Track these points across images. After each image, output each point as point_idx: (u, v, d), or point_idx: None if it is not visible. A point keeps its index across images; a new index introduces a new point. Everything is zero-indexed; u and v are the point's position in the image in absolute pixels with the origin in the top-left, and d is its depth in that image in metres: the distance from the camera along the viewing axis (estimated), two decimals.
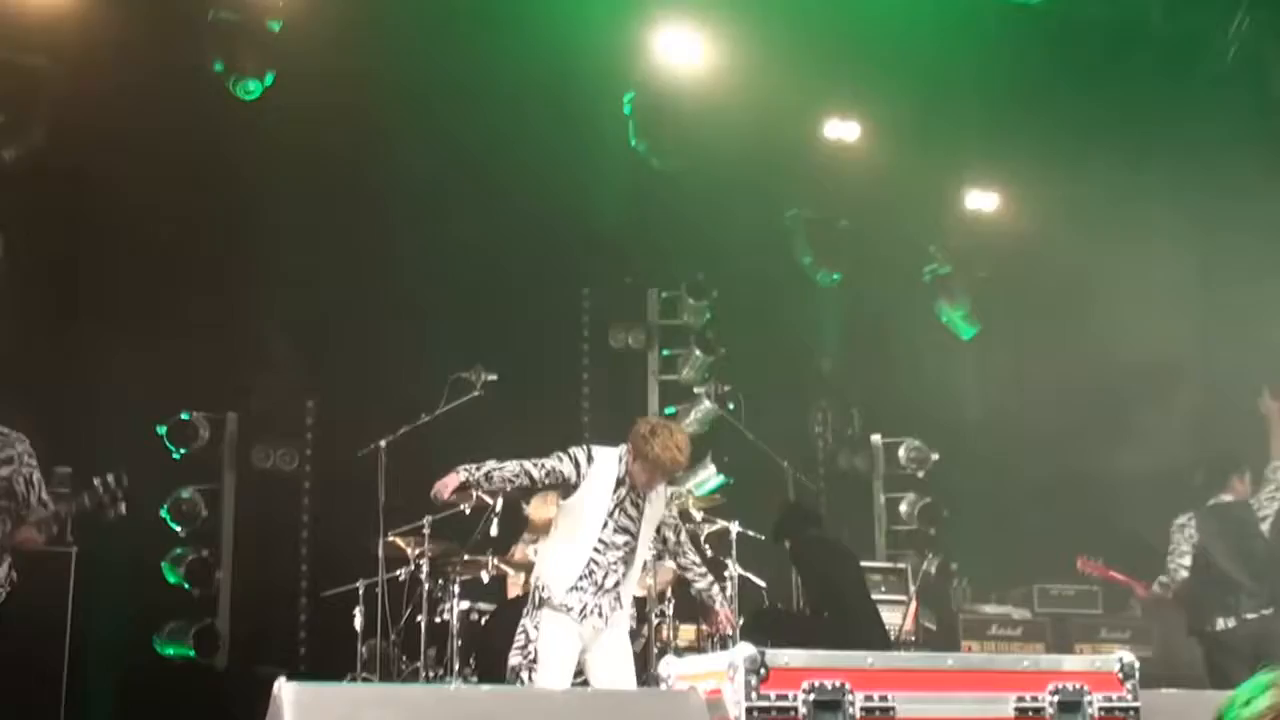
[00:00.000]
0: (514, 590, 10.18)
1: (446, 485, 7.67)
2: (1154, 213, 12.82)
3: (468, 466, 7.67)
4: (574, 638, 7.73)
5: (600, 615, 7.76)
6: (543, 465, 7.75)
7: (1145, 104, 12.40)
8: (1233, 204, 12.45)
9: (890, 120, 12.89)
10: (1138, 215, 12.89)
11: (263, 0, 10.35)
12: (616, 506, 7.79)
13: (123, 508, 7.95)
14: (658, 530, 8.06)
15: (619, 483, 7.79)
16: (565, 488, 7.82)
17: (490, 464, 7.70)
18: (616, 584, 7.81)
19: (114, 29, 10.14)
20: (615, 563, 7.80)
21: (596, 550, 7.75)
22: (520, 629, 7.80)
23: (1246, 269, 12.29)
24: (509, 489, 7.97)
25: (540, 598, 7.76)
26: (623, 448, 7.84)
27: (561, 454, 7.78)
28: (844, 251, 13.55)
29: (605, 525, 7.77)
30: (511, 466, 7.71)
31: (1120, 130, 12.59)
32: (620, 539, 7.81)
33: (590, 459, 7.78)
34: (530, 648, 7.65)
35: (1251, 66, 12.40)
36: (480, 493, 8.63)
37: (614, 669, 7.80)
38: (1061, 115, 12.63)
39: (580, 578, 7.71)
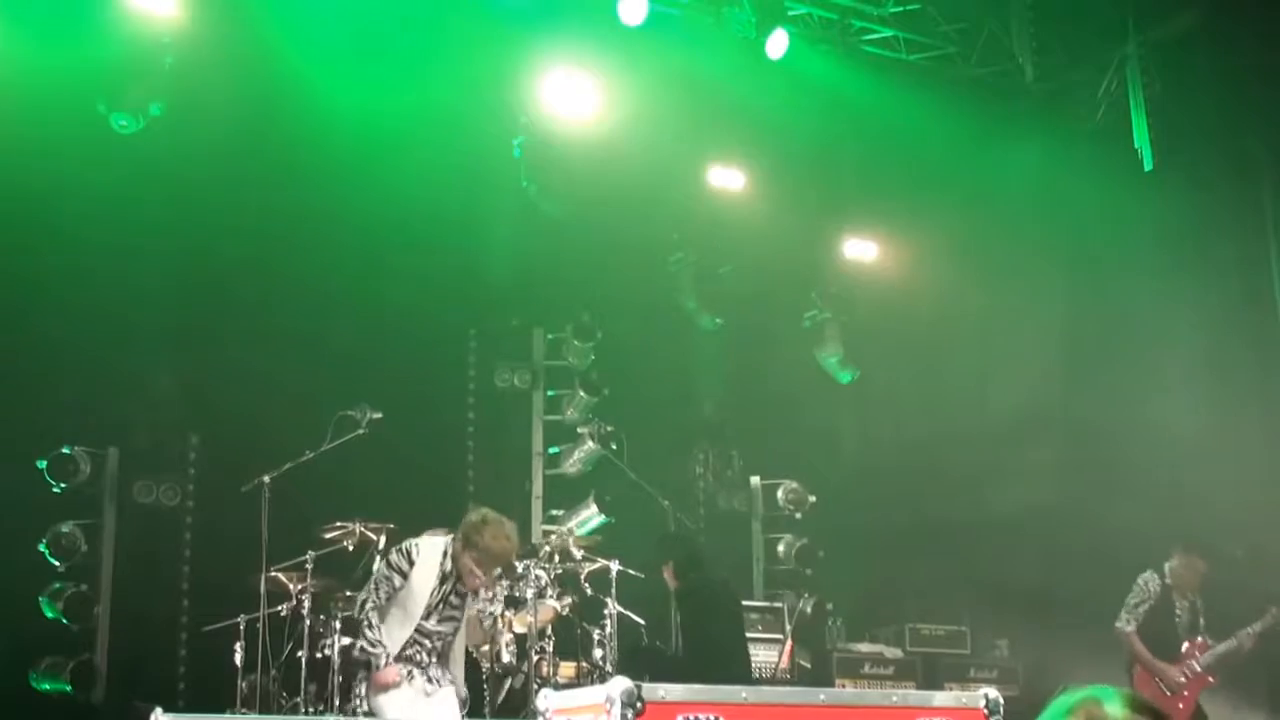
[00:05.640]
0: None
1: (386, 679, 7.93)
2: (1027, 263, 13.23)
3: (368, 649, 7.94)
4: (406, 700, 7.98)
5: (429, 680, 8.06)
6: (378, 589, 8.04)
7: (1019, 158, 12.80)
8: (1101, 256, 12.91)
9: (773, 170, 13.20)
10: (1011, 265, 13.30)
11: (153, 35, 10.42)
12: (441, 600, 8.09)
13: None
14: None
15: (444, 577, 8.08)
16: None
17: (365, 634, 7.96)
18: (436, 661, 8.14)
19: None
20: (435, 647, 8.13)
21: (419, 634, 8.06)
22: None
23: (1114, 318, 12.70)
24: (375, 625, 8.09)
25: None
26: (448, 539, 8.12)
27: (388, 569, 8.07)
28: (726, 297, 13.78)
29: (430, 616, 8.07)
30: (370, 619, 7.98)
31: (995, 183, 12.99)
32: (445, 628, 8.17)
33: (413, 561, 8.04)
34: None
35: (1120, 124, 12.86)
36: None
37: None
38: (939, 168, 13.03)
39: (403, 658, 8.00)
